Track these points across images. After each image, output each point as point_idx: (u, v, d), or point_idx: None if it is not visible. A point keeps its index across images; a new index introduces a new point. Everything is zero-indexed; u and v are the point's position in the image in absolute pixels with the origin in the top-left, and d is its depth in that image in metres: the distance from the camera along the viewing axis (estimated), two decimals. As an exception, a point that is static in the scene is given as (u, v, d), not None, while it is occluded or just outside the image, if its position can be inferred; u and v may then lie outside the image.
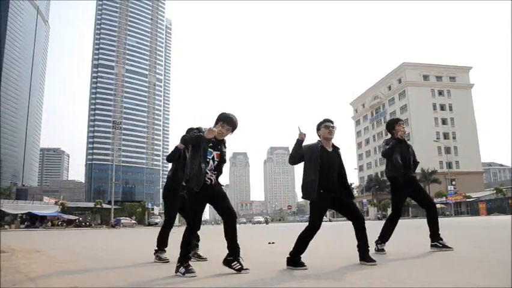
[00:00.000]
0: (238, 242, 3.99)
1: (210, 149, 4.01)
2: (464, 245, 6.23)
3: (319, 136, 4.35)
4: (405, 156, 5.33)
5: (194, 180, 3.86)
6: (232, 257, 3.93)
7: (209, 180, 3.99)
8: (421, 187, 5.51)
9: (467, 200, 57.50)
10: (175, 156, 5.14)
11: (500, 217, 30.79)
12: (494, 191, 55.23)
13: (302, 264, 3.96)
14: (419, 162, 5.67)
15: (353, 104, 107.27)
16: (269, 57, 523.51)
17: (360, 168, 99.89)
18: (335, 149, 4.35)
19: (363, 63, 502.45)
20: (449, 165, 69.97)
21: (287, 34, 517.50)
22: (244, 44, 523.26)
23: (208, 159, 4.00)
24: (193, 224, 3.97)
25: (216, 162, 4.05)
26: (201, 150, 3.94)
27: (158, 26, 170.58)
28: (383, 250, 5.16)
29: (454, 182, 64.44)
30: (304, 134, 4.23)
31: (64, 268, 4.71)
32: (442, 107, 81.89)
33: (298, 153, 4.25)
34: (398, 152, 5.32)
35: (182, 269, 3.75)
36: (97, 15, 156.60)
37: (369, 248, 4.19)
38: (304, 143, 4.29)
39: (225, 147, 4.17)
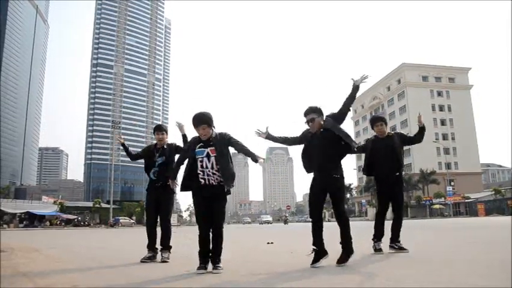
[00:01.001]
0: (220, 248, 4.03)
1: (200, 149, 4.08)
2: (463, 246, 6.25)
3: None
4: (383, 155, 5.20)
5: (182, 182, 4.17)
6: (212, 262, 3.99)
7: (202, 180, 4.04)
8: (400, 191, 5.36)
9: (466, 200, 57.57)
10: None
11: (499, 218, 30.88)
12: (493, 192, 55.29)
13: (325, 253, 4.13)
14: (402, 164, 5.34)
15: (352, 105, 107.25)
16: (268, 57, 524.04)
17: (359, 169, 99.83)
18: (323, 131, 4.33)
19: (362, 64, 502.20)
20: (448, 166, 70.03)
21: (287, 34, 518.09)
22: (243, 44, 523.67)
23: (201, 158, 4.04)
24: (198, 224, 4.16)
25: (214, 158, 4.04)
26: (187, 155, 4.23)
27: (157, 26, 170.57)
28: (380, 250, 5.20)
29: (452, 183, 64.46)
30: (264, 133, 4.58)
31: (63, 267, 4.71)
32: (441, 108, 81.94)
33: (283, 138, 4.63)
34: (370, 150, 5.34)
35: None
36: (96, 14, 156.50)
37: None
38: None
39: (222, 141, 4.12)
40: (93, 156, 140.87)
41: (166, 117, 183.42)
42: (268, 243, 8.13)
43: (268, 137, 4.60)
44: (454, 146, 79.09)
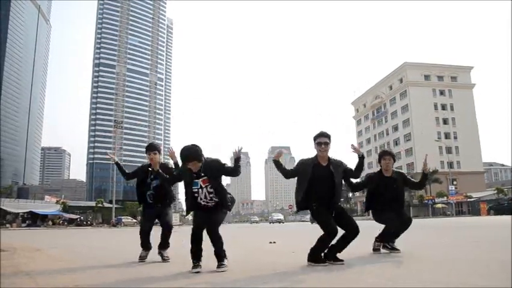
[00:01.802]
0: (221, 249, 4.09)
1: (195, 180, 4.16)
2: (464, 245, 6.24)
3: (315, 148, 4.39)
4: (383, 193, 5.19)
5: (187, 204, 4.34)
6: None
7: (202, 202, 4.19)
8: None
9: (468, 200, 57.41)
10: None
11: (501, 217, 30.75)
12: (495, 191, 55.14)
13: (323, 261, 4.07)
14: (403, 200, 5.38)
15: (354, 104, 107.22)
16: (271, 57, 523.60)
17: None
18: (331, 163, 4.33)
19: (364, 63, 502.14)
20: (450, 165, 69.85)
21: (289, 33, 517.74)
22: (245, 44, 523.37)
23: (195, 189, 4.16)
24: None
25: (207, 188, 4.16)
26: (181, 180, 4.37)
27: (159, 26, 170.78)
28: (378, 250, 5.26)
29: (455, 182, 64.33)
30: (280, 152, 4.62)
31: (65, 267, 4.73)
32: (443, 107, 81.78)
33: (284, 169, 4.48)
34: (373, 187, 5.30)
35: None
36: (98, 14, 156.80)
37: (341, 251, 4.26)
38: (302, 157, 4.57)
39: (213, 172, 4.18)
40: (95, 155, 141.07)
41: (168, 117, 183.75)
42: (270, 242, 8.14)
43: (277, 163, 4.52)
44: (456, 145, 78.93)
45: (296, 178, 4.46)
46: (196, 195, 4.15)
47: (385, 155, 5.30)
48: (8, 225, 43.58)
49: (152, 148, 5.27)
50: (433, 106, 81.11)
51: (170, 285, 3.31)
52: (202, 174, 4.14)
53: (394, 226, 5.09)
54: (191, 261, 4.01)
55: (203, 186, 4.13)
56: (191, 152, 4.04)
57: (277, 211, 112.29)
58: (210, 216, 4.13)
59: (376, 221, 5.39)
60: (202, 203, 4.17)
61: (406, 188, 5.49)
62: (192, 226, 4.21)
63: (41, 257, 6.10)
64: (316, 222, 4.28)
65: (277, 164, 4.51)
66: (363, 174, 4.83)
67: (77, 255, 6.90)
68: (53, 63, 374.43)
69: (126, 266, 4.69)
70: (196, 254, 4.03)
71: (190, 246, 4.05)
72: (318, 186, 4.24)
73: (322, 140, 4.28)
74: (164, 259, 5.01)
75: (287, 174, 4.50)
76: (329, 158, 4.34)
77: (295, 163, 4.55)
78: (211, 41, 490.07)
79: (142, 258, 5.11)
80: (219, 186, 4.18)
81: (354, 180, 4.90)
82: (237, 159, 4.26)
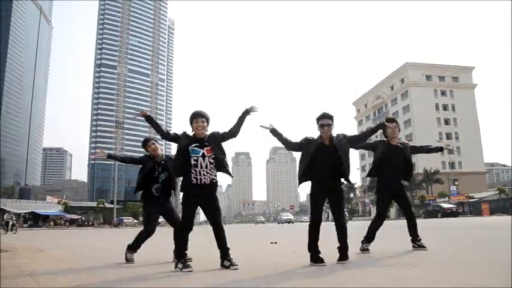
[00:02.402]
0: (227, 243, 4.11)
1: (195, 148, 4.08)
2: (464, 245, 6.23)
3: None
4: (396, 166, 5.19)
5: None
6: (222, 257, 4.07)
7: (194, 180, 4.05)
8: (404, 196, 5.44)
9: (470, 200, 57.30)
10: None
11: (503, 217, 30.71)
12: (497, 192, 55.01)
13: (321, 261, 4.06)
14: (411, 170, 5.40)
15: (355, 104, 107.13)
16: (272, 57, 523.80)
17: (363, 169, 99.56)
18: (334, 140, 4.31)
19: (365, 63, 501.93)
20: (452, 165, 69.72)
21: (290, 33, 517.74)
22: (246, 44, 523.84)
23: (195, 157, 4.06)
24: (183, 223, 4.21)
25: (209, 158, 4.09)
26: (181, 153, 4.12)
27: (160, 26, 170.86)
28: (367, 250, 5.24)
29: (456, 182, 64.19)
30: (269, 127, 4.42)
31: (67, 267, 4.73)
32: (445, 107, 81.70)
33: (285, 138, 4.43)
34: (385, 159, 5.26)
35: (180, 265, 3.97)
36: (99, 15, 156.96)
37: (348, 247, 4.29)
38: (308, 135, 4.45)
39: (216, 140, 4.20)
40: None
41: (169, 117, 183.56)
42: (272, 243, 8.13)
43: (273, 131, 4.45)
44: (457, 145, 78.80)
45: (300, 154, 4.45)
46: (194, 168, 4.04)
47: (390, 121, 5.10)
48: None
49: (150, 139, 5.18)
50: (435, 106, 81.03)
51: (171, 285, 3.31)
52: (206, 144, 4.12)
53: (379, 224, 5.27)
54: (179, 261, 4.02)
55: (206, 155, 4.08)
56: (202, 111, 4.16)
57: (279, 211, 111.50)
58: (210, 203, 4.12)
59: (380, 200, 5.45)
60: (197, 178, 4.04)
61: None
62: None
63: (43, 258, 6.11)
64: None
65: (275, 133, 4.44)
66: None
67: (78, 255, 6.92)
68: (54, 64, 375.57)
69: (128, 267, 4.69)
70: (185, 249, 4.10)
71: (176, 242, 4.15)
72: (319, 165, 4.23)
73: (325, 121, 4.28)
74: (131, 261, 4.94)
75: (288, 144, 4.47)
76: (331, 136, 4.34)
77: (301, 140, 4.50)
78: (213, 41, 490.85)
79: (131, 261, 4.98)
80: (222, 154, 4.17)
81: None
82: (246, 112, 4.26)
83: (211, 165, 4.10)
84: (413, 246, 5.22)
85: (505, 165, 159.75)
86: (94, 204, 68.41)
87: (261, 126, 4.44)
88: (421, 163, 69.71)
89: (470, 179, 71.62)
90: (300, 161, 4.42)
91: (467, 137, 78.33)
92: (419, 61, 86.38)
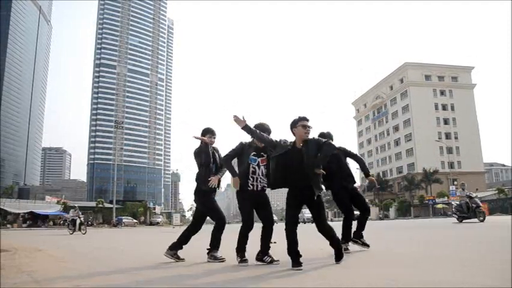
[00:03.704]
0: (270, 243, 4.55)
1: (253, 157, 4.39)
2: (464, 245, 6.24)
3: (293, 134, 4.15)
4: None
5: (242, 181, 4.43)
6: (263, 254, 4.51)
7: (251, 186, 4.38)
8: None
9: (469, 200, 57.39)
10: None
11: (502, 217, 30.74)
12: (496, 191, 55.07)
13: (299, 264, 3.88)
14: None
15: (354, 104, 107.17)
16: (271, 56, 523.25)
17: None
18: (308, 142, 4.08)
19: (365, 63, 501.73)
20: (451, 165, 69.81)
21: (289, 33, 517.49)
22: (246, 43, 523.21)
23: (253, 165, 4.38)
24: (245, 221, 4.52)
25: (263, 167, 4.43)
26: (244, 157, 4.47)
27: (160, 26, 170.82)
28: (347, 249, 5.18)
29: (455, 182, 64.28)
30: (243, 121, 4.10)
31: (66, 267, 4.73)
32: (444, 107, 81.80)
33: (261, 134, 4.18)
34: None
35: (238, 258, 4.43)
36: (99, 14, 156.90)
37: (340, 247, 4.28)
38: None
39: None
40: (96, 156, 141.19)
41: (168, 117, 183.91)
42: (271, 242, 8.13)
43: (245, 128, 4.11)
44: (457, 145, 78.93)
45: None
46: (252, 175, 4.35)
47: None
48: (8, 225, 43.63)
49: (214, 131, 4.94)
50: (434, 106, 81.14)
51: (172, 285, 3.31)
52: (262, 154, 4.40)
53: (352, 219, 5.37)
54: (238, 255, 4.46)
55: (261, 164, 4.38)
56: (268, 127, 4.42)
57: (278, 211, 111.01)
58: (266, 206, 4.50)
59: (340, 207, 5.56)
60: (255, 183, 4.37)
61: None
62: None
63: (42, 258, 6.11)
64: None
65: (248, 129, 4.14)
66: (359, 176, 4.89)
67: (78, 255, 6.92)
68: (53, 64, 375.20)
69: (128, 267, 4.68)
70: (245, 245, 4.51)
71: (239, 239, 4.49)
72: (288, 169, 3.99)
73: (307, 123, 4.10)
74: (221, 260, 4.69)
75: (264, 140, 4.18)
76: (305, 140, 4.10)
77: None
78: (212, 41, 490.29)
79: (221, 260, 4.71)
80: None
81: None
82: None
83: (264, 175, 4.44)
84: (355, 242, 5.38)
85: (504, 165, 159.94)
86: (93, 204, 68.30)
87: (234, 117, 4.15)
88: (420, 163, 69.88)
89: (469, 179, 71.43)
90: (271, 162, 4.22)
91: (467, 137, 78.44)
92: (418, 61, 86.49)
